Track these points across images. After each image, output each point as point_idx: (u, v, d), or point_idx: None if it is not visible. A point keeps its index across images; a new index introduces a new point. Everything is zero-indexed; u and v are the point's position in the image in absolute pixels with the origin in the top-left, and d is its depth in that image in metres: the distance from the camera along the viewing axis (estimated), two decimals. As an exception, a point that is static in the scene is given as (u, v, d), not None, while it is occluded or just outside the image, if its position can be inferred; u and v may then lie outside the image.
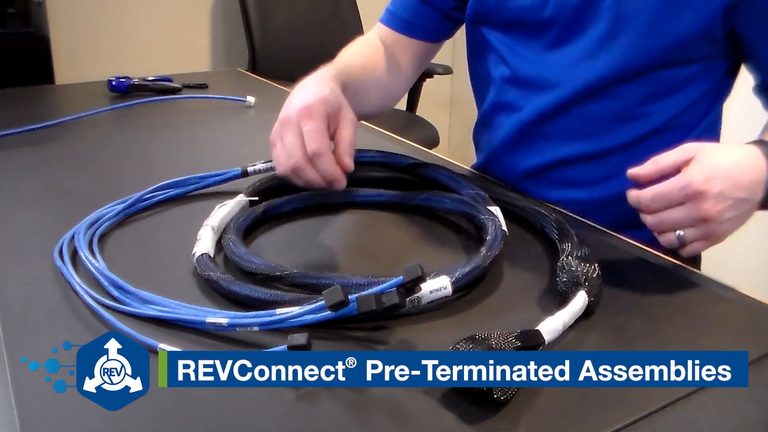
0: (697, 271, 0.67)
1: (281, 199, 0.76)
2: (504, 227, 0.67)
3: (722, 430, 0.46)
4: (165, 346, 0.51)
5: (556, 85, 0.83)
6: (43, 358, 0.51)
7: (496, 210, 0.71)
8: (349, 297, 0.51)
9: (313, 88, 0.71)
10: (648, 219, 0.62)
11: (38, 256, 0.66)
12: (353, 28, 2.47)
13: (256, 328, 0.53)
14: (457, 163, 0.94)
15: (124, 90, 1.30)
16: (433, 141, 2.44)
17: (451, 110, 3.13)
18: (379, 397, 0.47)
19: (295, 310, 0.53)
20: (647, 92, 0.80)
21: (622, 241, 0.72)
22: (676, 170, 0.61)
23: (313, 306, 0.53)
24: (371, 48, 0.94)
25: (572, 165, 0.85)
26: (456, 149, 3.00)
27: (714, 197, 0.60)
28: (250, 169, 0.79)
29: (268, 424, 0.46)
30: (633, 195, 0.63)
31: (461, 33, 0.96)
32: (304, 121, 0.68)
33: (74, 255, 0.66)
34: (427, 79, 2.60)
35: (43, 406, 0.46)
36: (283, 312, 0.53)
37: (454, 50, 3.13)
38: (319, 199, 0.78)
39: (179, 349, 0.50)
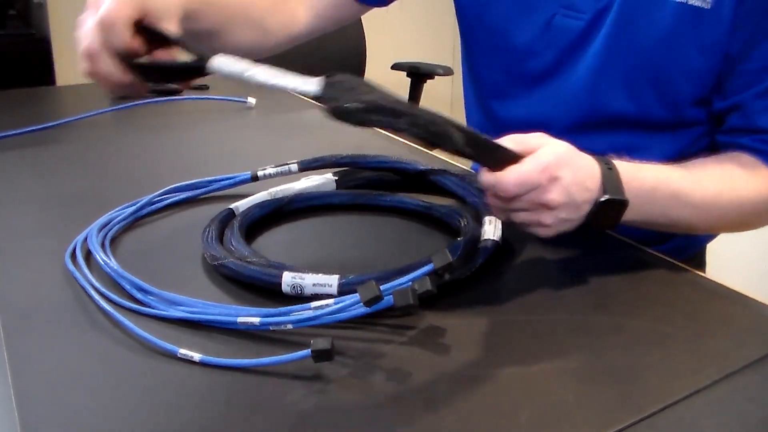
0: (697, 271, 0.67)
1: (305, 194, 0.79)
2: (497, 237, 0.67)
3: (722, 430, 0.46)
4: (186, 351, 0.51)
5: (553, 122, 0.81)
6: (47, 358, 0.51)
7: (496, 220, 0.69)
8: (382, 287, 0.52)
9: None
10: (492, 200, 0.62)
11: (44, 258, 0.66)
12: (353, 27, 2.47)
13: (290, 326, 0.53)
14: (457, 164, 0.94)
15: (124, 91, 1.30)
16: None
17: (451, 111, 3.13)
18: (378, 398, 0.47)
19: (331, 305, 0.54)
20: (650, 130, 0.78)
21: (622, 241, 0.73)
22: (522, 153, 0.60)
23: (347, 302, 0.53)
24: None
25: None
26: (456, 150, 2.99)
27: (563, 187, 0.59)
28: (260, 173, 0.80)
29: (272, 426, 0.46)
30: (489, 179, 0.59)
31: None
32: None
33: (87, 257, 0.66)
34: (428, 80, 2.60)
35: (44, 406, 0.46)
36: (318, 306, 0.54)
37: (454, 51, 3.13)
38: (350, 198, 0.80)
39: (200, 354, 0.50)
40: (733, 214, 0.71)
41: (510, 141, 0.60)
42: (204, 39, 0.73)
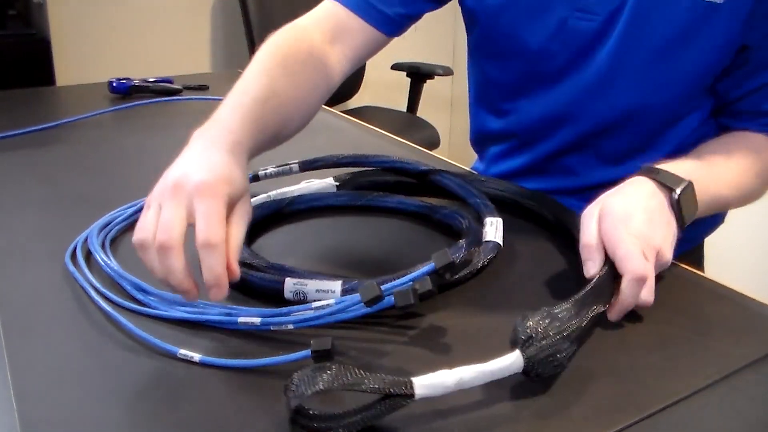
0: (697, 271, 0.67)
1: (306, 196, 0.79)
2: (499, 240, 0.67)
3: (722, 430, 0.46)
4: (186, 352, 0.51)
5: (567, 120, 0.82)
6: (47, 358, 0.51)
7: (497, 221, 0.70)
8: (383, 287, 0.52)
9: (218, 161, 0.55)
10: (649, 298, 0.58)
11: (45, 259, 0.66)
12: (353, 29, 2.47)
13: (290, 326, 0.53)
14: (458, 165, 0.94)
15: (124, 91, 1.30)
16: (433, 142, 2.45)
17: (451, 111, 3.13)
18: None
19: (332, 305, 0.54)
20: (664, 120, 0.80)
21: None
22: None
23: (348, 302, 0.53)
24: (302, 51, 0.79)
25: (591, 191, 0.75)
26: (456, 150, 3.00)
27: (651, 227, 0.59)
28: (261, 173, 0.80)
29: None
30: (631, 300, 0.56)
31: (462, 33, 0.96)
32: (200, 198, 0.50)
33: (87, 258, 0.66)
34: (428, 80, 2.61)
35: (44, 406, 0.46)
36: (318, 306, 0.54)
37: (454, 51, 3.13)
38: (351, 199, 0.80)
39: (201, 354, 0.51)
40: (762, 186, 0.78)
41: (593, 254, 0.58)
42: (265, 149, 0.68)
